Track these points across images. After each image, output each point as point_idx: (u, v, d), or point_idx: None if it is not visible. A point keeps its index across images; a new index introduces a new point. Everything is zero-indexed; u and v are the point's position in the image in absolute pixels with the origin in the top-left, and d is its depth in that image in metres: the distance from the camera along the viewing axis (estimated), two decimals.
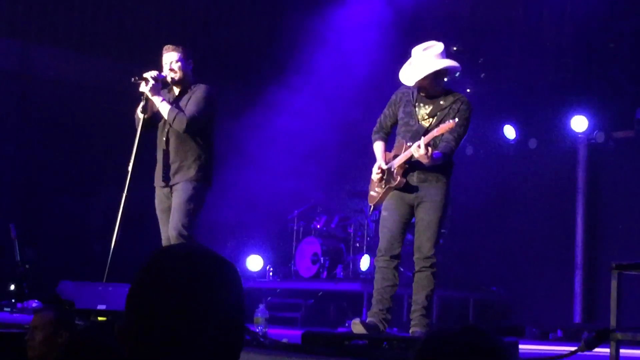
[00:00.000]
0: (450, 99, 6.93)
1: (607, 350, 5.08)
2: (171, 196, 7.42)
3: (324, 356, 5.12)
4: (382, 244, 6.95)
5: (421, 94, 6.95)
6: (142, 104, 7.44)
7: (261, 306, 7.24)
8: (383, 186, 7.00)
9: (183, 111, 7.34)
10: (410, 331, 6.85)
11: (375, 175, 7.02)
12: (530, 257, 12.32)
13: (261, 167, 12.90)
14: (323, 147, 13.03)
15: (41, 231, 11.85)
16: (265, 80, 12.65)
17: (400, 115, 7.03)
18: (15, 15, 12.23)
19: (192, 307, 1.92)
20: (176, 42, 7.64)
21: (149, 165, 7.62)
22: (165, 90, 7.58)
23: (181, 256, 2.01)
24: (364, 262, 12.11)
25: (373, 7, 12.53)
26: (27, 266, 10.13)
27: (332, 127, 12.63)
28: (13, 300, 9.36)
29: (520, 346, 5.84)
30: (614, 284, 5.18)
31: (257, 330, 6.88)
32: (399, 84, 7.08)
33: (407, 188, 6.90)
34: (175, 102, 7.45)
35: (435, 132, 6.71)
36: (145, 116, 7.45)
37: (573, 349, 4.97)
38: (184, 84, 7.52)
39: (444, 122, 6.77)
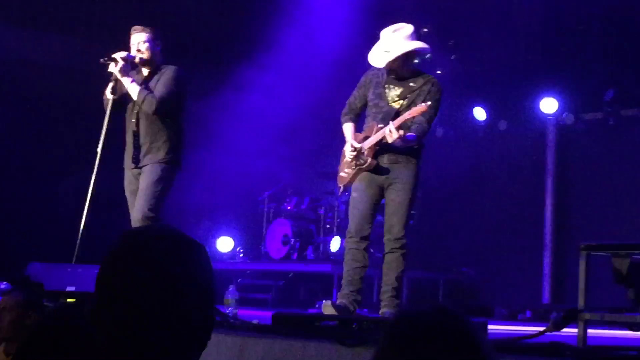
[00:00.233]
0: (420, 80, 6.94)
1: (575, 330, 5.11)
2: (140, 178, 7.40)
3: (294, 337, 5.12)
4: (352, 225, 6.96)
5: (391, 75, 6.95)
6: (111, 84, 7.40)
7: (231, 287, 7.22)
8: (353, 167, 7.00)
9: (152, 92, 7.31)
10: (380, 312, 6.87)
11: (349, 154, 7.01)
12: (500, 238, 12.37)
13: (231, 148, 12.85)
14: (293, 127, 12.99)
15: (10, 213, 11.76)
16: (233, 59, 12.56)
17: (370, 97, 7.03)
18: None
19: (162, 288, 1.92)
20: (144, 22, 7.60)
21: (118, 147, 7.58)
22: (134, 72, 7.54)
23: (150, 237, 2.01)
24: (335, 244, 12.12)
25: None
26: None
27: (302, 107, 12.58)
28: None
29: (489, 326, 5.87)
30: (582, 264, 5.21)
31: (228, 311, 6.86)
32: (369, 65, 7.08)
33: (377, 169, 6.91)
34: (144, 84, 7.42)
35: (407, 115, 6.72)
36: (115, 97, 7.42)
37: (542, 329, 5.01)
38: (153, 65, 7.48)
39: (415, 104, 6.79)
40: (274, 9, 12.28)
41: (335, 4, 12.29)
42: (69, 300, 7.16)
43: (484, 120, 12.69)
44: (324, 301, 6.92)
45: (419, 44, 6.94)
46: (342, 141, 7.18)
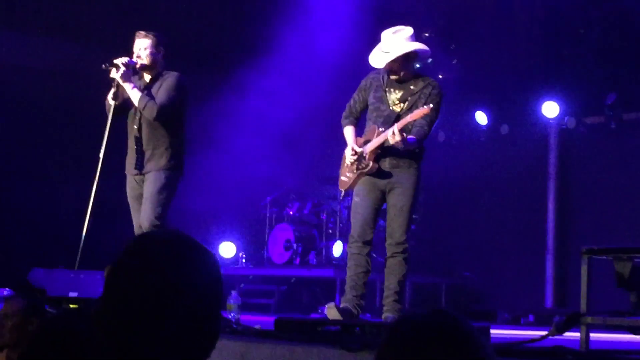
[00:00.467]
0: (421, 83, 6.95)
1: (578, 334, 5.11)
2: (143, 184, 7.41)
3: (297, 342, 5.12)
4: (354, 230, 6.96)
5: (392, 77, 6.95)
6: (112, 90, 7.41)
7: (234, 293, 7.23)
8: (355, 171, 7.00)
9: (154, 99, 7.32)
10: (383, 317, 6.87)
11: (350, 157, 7.02)
12: (502, 242, 12.36)
13: (233, 153, 12.85)
14: (295, 132, 12.99)
15: (12, 219, 11.76)
16: (235, 64, 12.56)
17: (371, 100, 7.03)
18: None
19: (170, 293, 1.93)
20: (145, 27, 7.60)
21: (120, 153, 7.59)
22: (137, 77, 7.54)
23: (162, 241, 2.02)
24: (337, 248, 12.12)
25: None
26: None
27: (304, 112, 12.58)
28: None
29: (492, 331, 5.87)
30: (584, 268, 5.21)
31: (230, 316, 6.87)
32: (370, 68, 7.08)
33: (379, 173, 6.91)
34: (146, 89, 7.42)
35: (409, 118, 6.73)
36: (116, 103, 7.42)
37: (544, 333, 5.00)
38: (155, 71, 7.49)
39: (416, 107, 6.79)
40: (275, 13, 12.29)
41: (336, 8, 12.29)
42: (71, 306, 7.15)
43: (485, 125, 12.68)
44: (328, 304, 6.92)
45: (419, 45, 6.96)
46: (344, 146, 7.18)
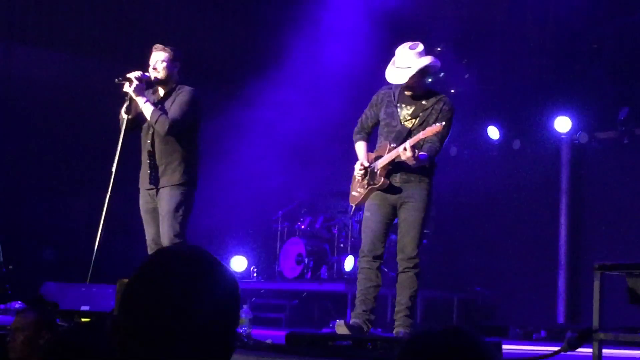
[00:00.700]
0: (433, 99, 6.95)
1: (590, 350, 5.09)
2: (157, 198, 7.39)
3: (308, 357, 5.12)
4: (365, 244, 6.96)
5: (405, 93, 6.96)
6: (126, 104, 7.41)
7: (245, 307, 7.21)
8: (365, 187, 7.01)
9: (167, 113, 7.31)
10: (394, 331, 6.85)
11: (358, 172, 7.03)
12: (514, 258, 12.34)
13: (244, 167, 12.86)
14: (307, 146, 13.00)
15: (25, 233, 11.79)
16: (246, 77, 12.59)
17: (382, 115, 7.04)
18: None
19: (188, 308, 1.93)
20: (156, 41, 7.62)
21: (133, 167, 7.59)
22: (150, 91, 7.55)
23: (181, 257, 2.02)
24: (348, 263, 12.11)
25: (356, 5, 12.52)
26: (10, 267, 10.07)
27: (316, 126, 12.59)
28: None
29: (504, 346, 5.86)
30: (596, 284, 5.20)
31: (241, 331, 6.86)
32: (381, 80, 7.09)
33: (390, 189, 6.91)
34: (159, 104, 7.42)
35: (421, 135, 6.73)
36: (129, 117, 7.42)
37: (556, 349, 4.99)
38: (169, 85, 7.49)
39: (428, 123, 6.80)
40: (286, 26, 12.32)
41: (347, 20, 12.32)
42: (83, 319, 7.16)
43: (497, 140, 12.67)
44: (337, 321, 6.91)
45: (432, 59, 6.98)
46: (356, 160, 7.18)
